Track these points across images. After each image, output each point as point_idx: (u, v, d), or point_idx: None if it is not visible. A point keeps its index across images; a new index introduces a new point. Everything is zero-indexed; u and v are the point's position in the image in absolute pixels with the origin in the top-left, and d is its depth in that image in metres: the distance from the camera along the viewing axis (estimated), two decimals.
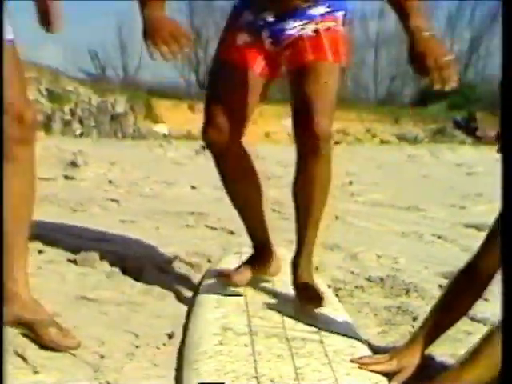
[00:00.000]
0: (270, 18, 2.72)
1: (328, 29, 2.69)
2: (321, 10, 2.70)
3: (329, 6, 2.71)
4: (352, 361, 2.26)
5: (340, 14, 2.74)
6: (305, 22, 2.68)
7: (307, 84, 2.63)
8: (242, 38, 2.75)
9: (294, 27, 2.69)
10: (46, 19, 2.58)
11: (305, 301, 2.67)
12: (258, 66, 2.76)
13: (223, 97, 2.76)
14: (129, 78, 20.17)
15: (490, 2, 25.12)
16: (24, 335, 2.35)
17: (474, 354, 2.12)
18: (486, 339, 2.12)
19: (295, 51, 2.67)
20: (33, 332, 2.36)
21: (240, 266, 2.92)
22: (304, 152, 2.64)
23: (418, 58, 2.42)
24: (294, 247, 2.79)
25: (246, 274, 2.86)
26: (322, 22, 2.68)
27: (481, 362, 2.12)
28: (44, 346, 2.32)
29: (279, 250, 3.02)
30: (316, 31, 2.67)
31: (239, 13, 2.81)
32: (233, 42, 2.76)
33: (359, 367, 2.22)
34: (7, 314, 2.36)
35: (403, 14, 2.51)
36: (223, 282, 2.86)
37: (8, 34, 2.32)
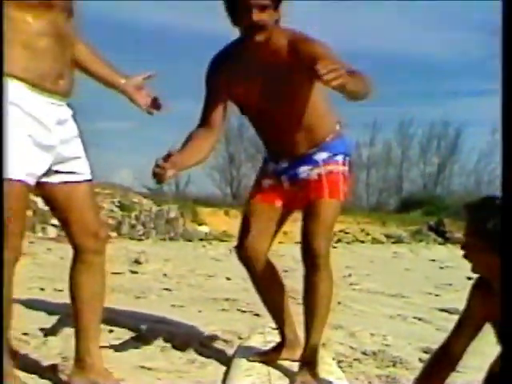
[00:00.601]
0: (285, 165, 2.71)
1: (330, 172, 2.64)
2: (323, 155, 2.66)
3: (330, 151, 2.66)
4: None
5: (340, 157, 2.69)
6: (311, 167, 2.65)
7: (309, 217, 2.62)
8: (267, 182, 2.76)
9: (303, 171, 2.66)
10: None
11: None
12: (278, 201, 2.73)
13: (252, 225, 2.74)
14: (179, 192, 20.39)
15: (451, 137, 25.46)
16: None
17: None
18: None
19: (303, 193, 2.66)
20: None
21: (271, 350, 2.84)
22: (307, 268, 2.61)
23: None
24: None
25: (274, 358, 2.78)
26: (324, 165, 2.65)
27: None
28: None
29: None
30: (319, 175, 2.63)
31: (266, 163, 2.82)
32: (260, 186, 2.78)
33: None
34: (84, 380, 2.36)
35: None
36: (257, 359, 2.77)
37: (86, 176, 2.37)
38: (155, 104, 2.53)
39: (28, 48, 2.13)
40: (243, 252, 2.77)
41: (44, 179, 2.25)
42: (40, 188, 2.28)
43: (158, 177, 2.32)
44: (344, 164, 2.69)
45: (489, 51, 33.06)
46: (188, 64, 28.31)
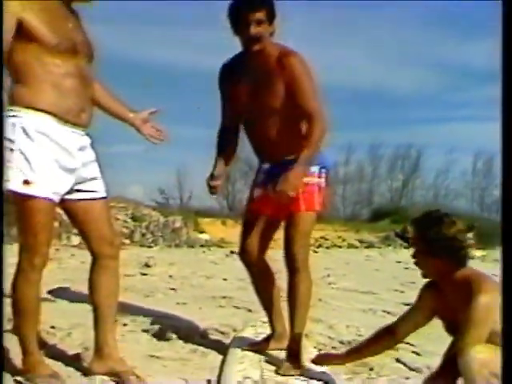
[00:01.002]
0: (267, 166, 2.66)
1: (305, 184, 2.51)
2: None
3: None
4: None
5: (316, 169, 2.57)
6: None
7: (289, 228, 2.57)
8: (257, 192, 2.71)
9: None
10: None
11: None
12: (267, 211, 2.65)
13: (249, 233, 2.73)
14: (183, 205, 20.35)
15: (414, 157, 25.55)
16: (112, 380, 2.33)
17: None
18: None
19: (280, 205, 2.53)
20: (119, 378, 2.33)
21: (262, 341, 2.80)
22: (289, 271, 2.58)
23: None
24: None
25: (264, 347, 2.74)
26: None
27: None
28: None
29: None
30: None
31: (257, 174, 2.77)
32: (252, 198, 2.74)
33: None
34: (103, 367, 2.36)
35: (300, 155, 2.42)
36: (249, 349, 2.74)
37: (102, 194, 2.36)
38: (158, 134, 2.55)
39: (56, 87, 2.16)
40: (244, 256, 2.77)
41: (66, 196, 2.26)
42: (63, 204, 2.29)
43: (214, 192, 2.68)
44: (320, 176, 2.60)
45: (443, 86, 33.43)
46: (189, 96, 28.45)
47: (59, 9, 2.20)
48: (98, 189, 2.34)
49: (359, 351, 2.30)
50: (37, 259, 2.19)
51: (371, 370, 2.78)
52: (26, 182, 2.12)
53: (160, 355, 2.83)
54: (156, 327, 3.30)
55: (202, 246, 10.06)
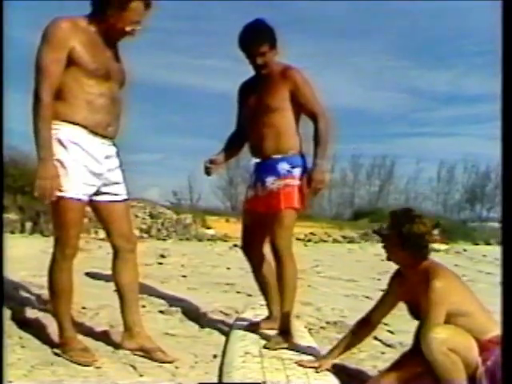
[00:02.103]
0: (258, 160, 2.63)
1: (286, 185, 2.51)
2: (284, 166, 2.53)
3: (290, 163, 2.54)
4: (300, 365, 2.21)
5: (297, 171, 2.53)
6: (275, 178, 2.54)
7: (272, 223, 2.53)
8: (250, 193, 2.69)
9: (269, 182, 2.55)
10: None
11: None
12: (260, 208, 2.61)
13: (248, 230, 2.73)
14: (193, 205, 20.28)
15: (388, 166, 25.45)
16: (135, 355, 2.31)
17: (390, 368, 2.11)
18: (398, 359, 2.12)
19: (269, 201, 2.55)
20: (147, 353, 2.32)
21: (259, 322, 2.77)
22: (275, 260, 2.56)
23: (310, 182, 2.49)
24: None
25: (262, 327, 2.71)
26: (284, 179, 2.52)
27: (391, 372, 2.10)
28: (154, 360, 2.29)
29: None
30: (278, 188, 2.52)
31: (250, 177, 2.76)
32: (247, 199, 2.72)
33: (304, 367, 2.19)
34: (133, 344, 2.34)
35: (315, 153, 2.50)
36: (249, 328, 2.72)
37: (124, 196, 2.34)
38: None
39: (89, 104, 2.16)
40: (245, 249, 2.76)
41: (94, 197, 2.26)
42: (91, 204, 2.29)
43: (208, 173, 2.69)
44: (300, 178, 2.53)
45: (413, 106, 33.51)
46: (201, 114, 28.56)
47: (100, 40, 2.20)
48: (121, 192, 2.34)
49: (347, 346, 2.26)
50: (68, 250, 2.19)
51: None
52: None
53: (174, 333, 2.82)
54: (170, 309, 3.28)
55: (208, 239, 9.99)
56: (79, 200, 2.17)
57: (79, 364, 2.17)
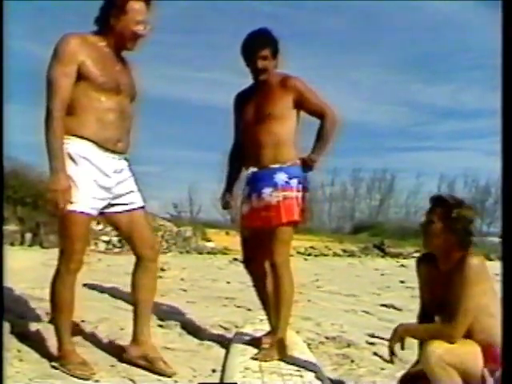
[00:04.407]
0: (254, 170, 2.58)
1: (285, 198, 2.47)
2: (282, 176, 2.50)
3: (287, 174, 2.50)
4: None
5: (295, 182, 2.50)
6: (272, 189, 2.50)
7: (270, 238, 2.49)
8: (245, 209, 2.63)
9: (266, 193, 2.51)
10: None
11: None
12: (256, 223, 2.57)
13: (248, 245, 2.70)
14: (193, 217, 20.26)
15: (389, 180, 25.47)
16: (135, 366, 2.31)
17: None
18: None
19: (267, 214, 2.51)
20: (150, 362, 2.32)
21: (262, 337, 2.70)
22: (272, 274, 2.54)
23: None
24: None
25: (262, 342, 2.62)
26: (282, 191, 2.48)
27: None
28: (154, 370, 2.30)
29: None
30: (278, 202, 2.48)
31: (242, 190, 2.67)
32: (242, 214, 2.66)
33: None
34: (138, 351, 2.35)
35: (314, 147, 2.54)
36: (251, 343, 2.67)
37: (140, 204, 2.34)
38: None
39: (99, 119, 2.17)
40: (247, 265, 2.75)
41: (106, 210, 2.26)
42: (107, 217, 2.29)
43: (227, 207, 2.71)
44: (298, 190, 2.51)
45: (413, 121, 33.65)
46: (200, 126, 28.68)
47: (110, 55, 2.22)
48: (136, 200, 2.33)
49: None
50: (72, 265, 2.19)
51: (352, 361, 2.78)
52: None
53: (172, 347, 2.80)
54: (169, 323, 3.26)
55: (208, 252, 9.99)
56: (86, 214, 2.17)
57: (77, 377, 2.16)
